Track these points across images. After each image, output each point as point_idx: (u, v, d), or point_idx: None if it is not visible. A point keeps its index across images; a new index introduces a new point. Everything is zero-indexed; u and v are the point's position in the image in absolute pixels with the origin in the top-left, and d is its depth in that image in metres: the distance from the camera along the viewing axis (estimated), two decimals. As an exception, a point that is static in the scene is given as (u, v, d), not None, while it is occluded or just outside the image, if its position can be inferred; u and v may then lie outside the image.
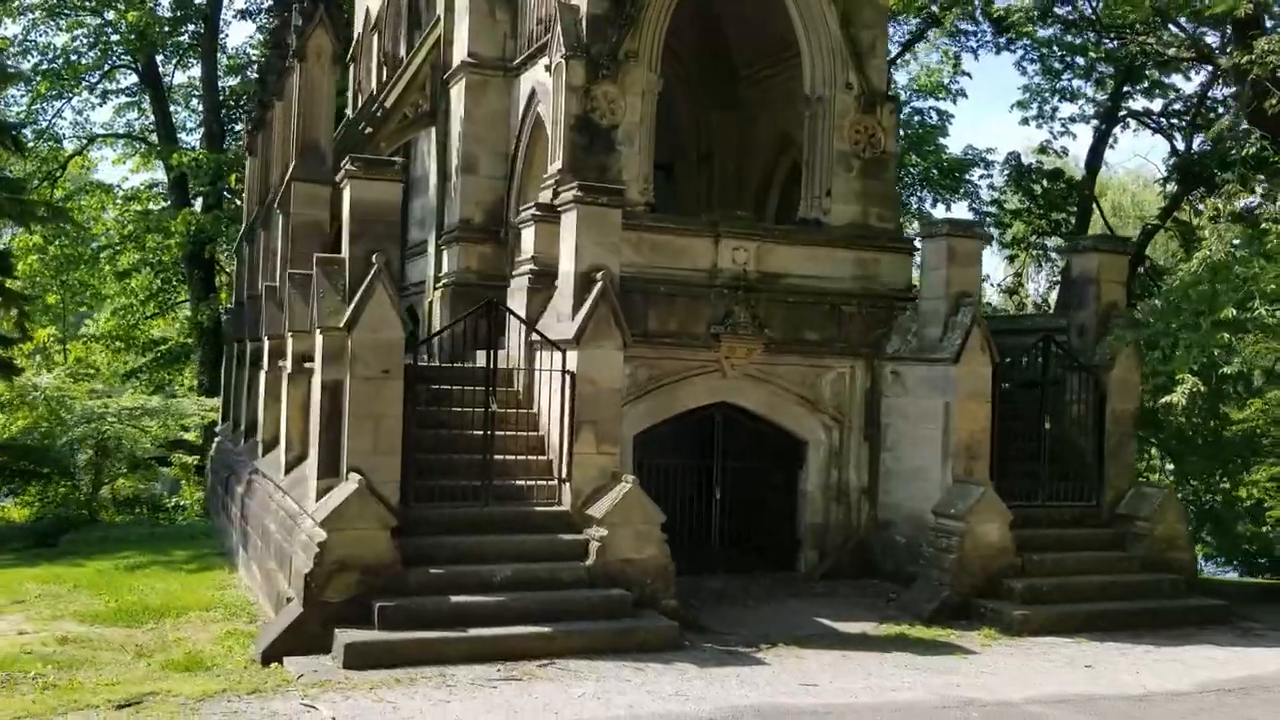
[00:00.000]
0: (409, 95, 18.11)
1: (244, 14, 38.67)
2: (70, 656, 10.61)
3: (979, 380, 14.11)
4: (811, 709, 9.41)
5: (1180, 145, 28.62)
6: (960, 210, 38.70)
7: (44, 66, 33.30)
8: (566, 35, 14.61)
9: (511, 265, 16.46)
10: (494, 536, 11.85)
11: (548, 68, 15.20)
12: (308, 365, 13.17)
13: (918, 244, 15.74)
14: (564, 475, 12.39)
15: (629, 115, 14.84)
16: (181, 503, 27.47)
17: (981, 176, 31.39)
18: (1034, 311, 32.36)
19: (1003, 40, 29.41)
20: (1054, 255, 33.13)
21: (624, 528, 11.84)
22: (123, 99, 35.31)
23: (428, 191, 19.11)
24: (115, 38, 33.28)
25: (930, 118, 32.54)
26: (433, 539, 11.55)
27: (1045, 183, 29.70)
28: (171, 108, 34.97)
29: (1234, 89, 26.54)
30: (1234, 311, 12.83)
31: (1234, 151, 18.50)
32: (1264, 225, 14.23)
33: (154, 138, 34.83)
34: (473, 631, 10.57)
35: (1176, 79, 28.18)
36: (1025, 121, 29.43)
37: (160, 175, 35.26)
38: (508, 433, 12.68)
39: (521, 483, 12.51)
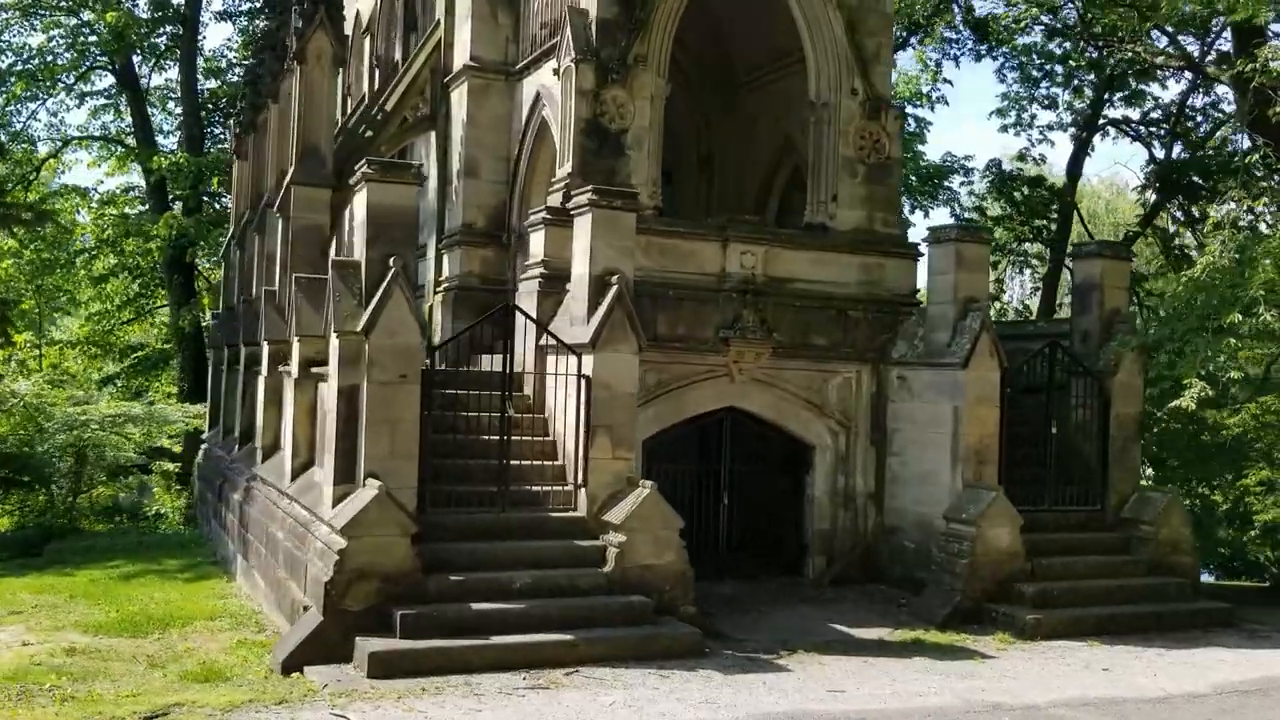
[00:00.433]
0: (408, 99, 17.94)
1: (223, 16, 38.22)
2: (82, 668, 10.41)
3: (988, 385, 14.14)
4: (844, 715, 9.38)
5: (1159, 153, 29.05)
6: (941, 217, 39.08)
7: (19, 67, 32.79)
8: (576, 39, 14.53)
9: (515, 269, 16.37)
10: (511, 542, 11.72)
11: (555, 71, 15.10)
12: (315, 370, 13.02)
13: (923, 249, 15.78)
14: (579, 480, 12.27)
15: (638, 119, 14.77)
16: (163, 510, 27.01)
17: (962, 184, 31.58)
18: (1015, 318, 32.65)
19: (983, 48, 29.71)
20: (1035, 262, 33.49)
21: (643, 533, 11.75)
22: (100, 101, 34.95)
23: (427, 195, 18.92)
24: (93, 39, 32.84)
25: (908, 125, 32.69)
26: (450, 545, 11.39)
27: (1026, 189, 29.95)
28: (149, 110, 34.53)
29: (1212, 98, 27.08)
30: (1239, 316, 12.91)
31: (1235, 160, 18.70)
32: (1265, 231, 14.38)
33: (131, 140, 34.36)
34: (496, 639, 10.42)
35: (1154, 87, 28.61)
36: (1004, 129, 29.80)
37: (137, 179, 34.82)
38: (519, 437, 12.56)
39: (535, 488, 12.39)
